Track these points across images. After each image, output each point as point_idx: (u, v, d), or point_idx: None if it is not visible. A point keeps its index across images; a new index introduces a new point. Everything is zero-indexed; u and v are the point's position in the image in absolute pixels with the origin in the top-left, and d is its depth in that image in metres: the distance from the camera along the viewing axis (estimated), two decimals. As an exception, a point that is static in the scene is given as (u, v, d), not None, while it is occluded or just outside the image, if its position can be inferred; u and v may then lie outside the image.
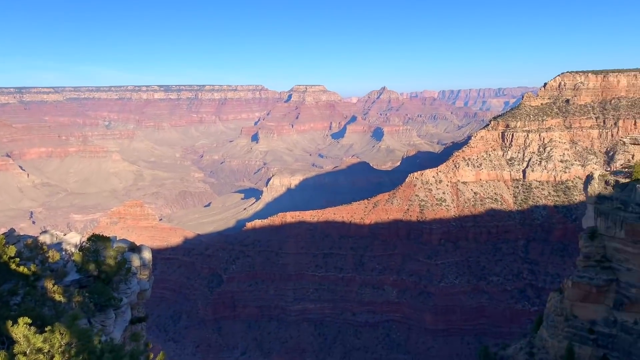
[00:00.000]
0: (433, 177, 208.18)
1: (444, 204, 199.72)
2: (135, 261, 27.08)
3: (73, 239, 28.24)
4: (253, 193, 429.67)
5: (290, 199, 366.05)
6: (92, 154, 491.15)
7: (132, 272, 25.47)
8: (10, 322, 14.21)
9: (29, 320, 13.83)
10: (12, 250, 19.58)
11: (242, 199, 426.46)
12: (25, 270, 19.51)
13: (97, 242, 25.49)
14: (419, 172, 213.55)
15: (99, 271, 24.20)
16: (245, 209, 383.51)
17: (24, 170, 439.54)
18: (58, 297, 18.60)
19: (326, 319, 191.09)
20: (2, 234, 23.15)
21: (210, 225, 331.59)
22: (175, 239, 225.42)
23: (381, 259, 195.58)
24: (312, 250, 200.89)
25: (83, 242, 27.25)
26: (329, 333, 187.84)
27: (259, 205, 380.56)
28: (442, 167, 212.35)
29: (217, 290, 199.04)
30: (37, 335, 13.76)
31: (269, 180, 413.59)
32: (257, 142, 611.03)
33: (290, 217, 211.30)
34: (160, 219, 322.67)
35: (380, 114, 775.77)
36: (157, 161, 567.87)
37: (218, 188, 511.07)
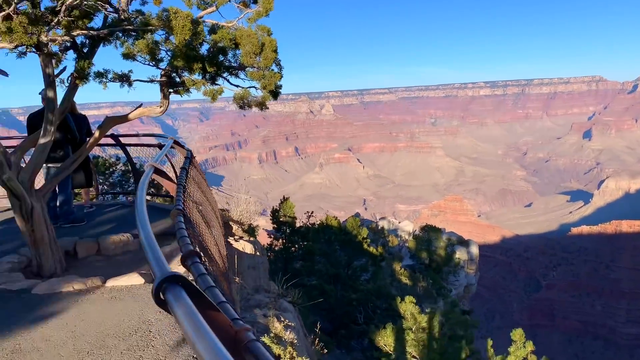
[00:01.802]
0: None
1: None
2: (463, 255, 27.78)
3: (407, 227, 30.90)
4: (581, 196, 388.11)
5: (628, 206, 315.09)
6: (417, 150, 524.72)
7: (460, 265, 26.22)
8: (398, 299, 15.98)
9: (414, 300, 15.20)
10: (365, 232, 22.59)
11: (567, 201, 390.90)
12: (373, 250, 22.29)
13: (429, 232, 27.13)
14: None
15: (430, 260, 25.71)
16: (570, 212, 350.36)
17: (360, 162, 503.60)
18: (404, 279, 20.59)
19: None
20: (353, 216, 26.94)
21: (529, 227, 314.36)
22: (492, 237, 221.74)
23: None
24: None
25: (415, 230, 29.43)
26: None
27: (588, 209, 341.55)
28: None
29: (535, 295, 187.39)
30: (421, 314, 15.08)
31: (601, 182, 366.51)
32: (589, 140, 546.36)
33: (628, 226, 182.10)
34: (479, 216, 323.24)
35: None
36: (479, 157, 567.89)
37: (540, 188, 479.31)
